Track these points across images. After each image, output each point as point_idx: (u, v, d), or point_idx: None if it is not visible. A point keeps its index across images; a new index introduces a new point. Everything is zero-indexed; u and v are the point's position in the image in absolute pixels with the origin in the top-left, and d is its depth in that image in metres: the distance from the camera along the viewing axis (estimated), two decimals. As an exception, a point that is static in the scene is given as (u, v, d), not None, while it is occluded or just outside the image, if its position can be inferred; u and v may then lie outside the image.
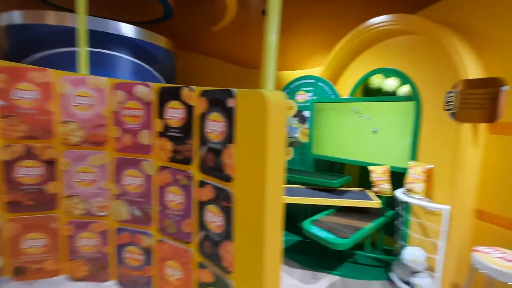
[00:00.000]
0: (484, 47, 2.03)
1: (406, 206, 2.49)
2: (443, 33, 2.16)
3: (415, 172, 2.41)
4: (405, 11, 2.58)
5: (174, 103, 1.66)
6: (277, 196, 1.30)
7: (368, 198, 2.72)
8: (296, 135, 3.72)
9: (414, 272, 2.31)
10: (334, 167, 3.47)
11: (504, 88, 1.74)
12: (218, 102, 1.41)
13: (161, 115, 1.76)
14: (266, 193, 1.21)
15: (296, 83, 3.72)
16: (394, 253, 2.65)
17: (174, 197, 1.73)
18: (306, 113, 3.62)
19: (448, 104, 2.03)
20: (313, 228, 2.41)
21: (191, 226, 1.69)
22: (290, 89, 3.77)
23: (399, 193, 2.41)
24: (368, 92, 3.43)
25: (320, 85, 3.49)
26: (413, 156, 2.51)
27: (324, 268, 2.61)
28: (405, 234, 2.52)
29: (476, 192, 2.04)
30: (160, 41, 3.45)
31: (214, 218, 1.50)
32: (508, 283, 1.51)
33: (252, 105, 1.23)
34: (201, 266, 1.64)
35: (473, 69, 1.99)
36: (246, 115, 1.27)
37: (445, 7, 2.34)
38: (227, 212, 1.42)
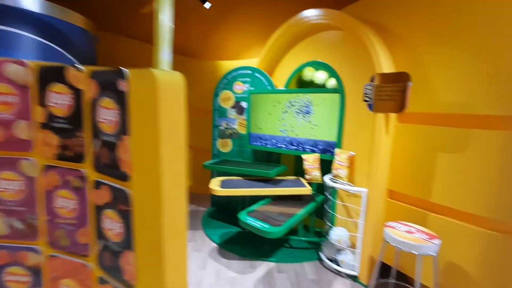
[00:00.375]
0: (395, 44, 2.26)
1: (333, 190, 2.69)
2: (362, 30, 2.34)
3: (340, 159, 2.61)
4: (334, 7, 2.72)
5: (58, 87, 1.33)
6: (177, 196, 1.16)
7: (301, 186, 2.85)
8: (235, 126, 3.68)
9: (340, 250, 2.52)
10: (271, 157, 3.55)
11: (410, 83, 1.97)
12: (109, 85, 1.17)
13: (42, 101, 1.43)
14: (162, 193, 1.08)
15: (233, 74, 3.66)
16: (323, 235, 2.85)
17: (65, 203, 1.44)
18: (244, 104, 3.60)
19: (366, 96, 2.23)
20: (249, 219, 2.42)
21: (88, 236, 1.44)
22: (227, 80, 3.70)
23: (327, 179, 2.58)
24: (302, 84, 3.57)
25: (257, 76, 3.50)
26: (339, 144, 2.71)
27: (261, 256, 2.66)
28: (332, 216, 2.72)
29: (388, 175, 2.30)
30: (75, 19, 2.98)
31: (112, 225, 1.29)
32: (410, 251, 1.74)
33: (144, 88, 1.06)
34: (102, 281, 1.42)
35: (386, 64, 2.21)
36: (140, 100, 1.08)
37: (365, 5, 2.54)
38: (126, 217, 1.22)
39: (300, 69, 3.22)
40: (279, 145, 3.22)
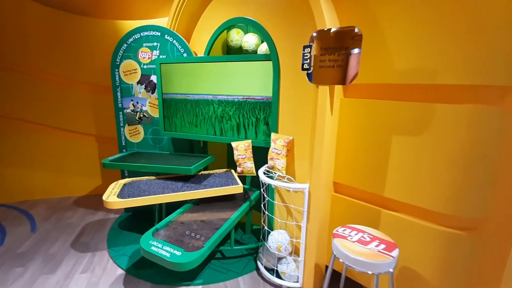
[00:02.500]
0: (338, -7, 1.69)
1: (270, 186, 2.16)
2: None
3: (276, 146, 2.05)
4: None
5: None
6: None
7: (232, 182, 2.25)
8: (145, 108, 2.81)
9: (280, 259, 2.05)
10: (196, 146, 2.84)
11: (359, 45, 1.43)
12: None
13: None
14: None
15: (136, 36, 2.71)
16: (261, 238, 2.35)
17: None
18: (155, 79, 2.73)
19: (305, 62, 1.65)
20: (154, 246, 1.71)
21: None
22: (129, 45, 2.74)
23: (261, 172, 2.02)
24: (230, 52, 2.85)
25: (169, 40, 2.64)
26: (274, 127, 2.14)
27: (183, 280, 2.03)
28: (271, 219, 2.22)
29: (333, 165, 1.84)
30: None
31: None
32: (367, 272, 1.30)
33: None
34: None
35: (330, 20, 1.63)
36: None
37: None
38: None
39: (221, 30, 2.47)
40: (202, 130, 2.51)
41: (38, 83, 3.22)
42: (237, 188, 2.14)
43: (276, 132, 2.13)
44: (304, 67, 1.65)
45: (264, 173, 2.04)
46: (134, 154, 2.76)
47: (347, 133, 1.75)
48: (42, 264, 2.25)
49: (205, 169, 2.75)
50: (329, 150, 1.74)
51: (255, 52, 2.55)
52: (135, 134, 2.88)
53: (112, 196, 1.99)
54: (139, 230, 2.68)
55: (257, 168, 2.29)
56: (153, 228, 1.82)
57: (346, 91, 1.75)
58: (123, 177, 2.96)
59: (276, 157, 2.05)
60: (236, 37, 2.64)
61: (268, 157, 2.10)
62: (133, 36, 2.71)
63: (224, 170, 2.56)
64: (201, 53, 2.68)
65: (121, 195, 2.04)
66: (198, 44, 2.71)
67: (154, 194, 2.04)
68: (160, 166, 2.29)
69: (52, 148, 3.40)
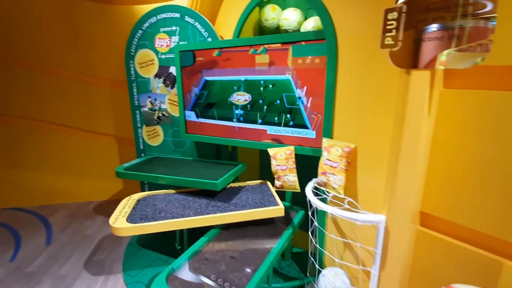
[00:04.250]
0: None
1: (320, 211, 1.62)
2: None
3: (331, 157, 1.50)
4: None
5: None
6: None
7: (269, 200, 1.74)
8: (164, 106, 2.39)
9: (337, 309, 1.52)
10: (224, 150, 2.38)
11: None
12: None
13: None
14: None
15: (151, 20, 2.27)
16: (308, 273, 1.84)
17: None
18: (175, 71, 2.29)
19: (389, 35, 1.07)
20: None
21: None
22: (144, 31, 2.31)
23: (309, 191, 1.50)
24: (263, 34, 2.32)
25: (189, 23, 2.17)
26: (327, 131, 1.58)
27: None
28: (322, 252, 1.68)
29: (423, 188, 1.25)
30: None
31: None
32: None
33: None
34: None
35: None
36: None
37: None
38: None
39: (253, 6, 1.94)
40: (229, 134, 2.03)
41: (54, 80, 2.95)
42: (277, 210, 1.63)
43: (330, 137, 1.57)
44: (386, 42, 1.07)
45: (313, 191, 1.51)
46: (152, 160, 2.36)
47: (449, 141, 1.15)
48: (49, 290, 1.96)
49: (235, 179, 2.28)
50: (422, 166, 1.16)
51: (297, 31, 2.00)
52: (154, 136, 2.48)
53: (120, 219, 1.59)
54: (159, 247, 2.30)
55: (302, 182, 1.77)
56: (169, 268, 1.39)
57: (449, 78, 1.14)
58: (142, 186, 2.60)
59: (331, 172, 1.50)
60: (272, 14, 2.09)
61: (319, 170, 1.56)
62: (149, 21, 2.28)
63: (258, 182, 2.07)
64: (228, 37, 2.18)
65: (132, 217, 1.63)
66: (225, 27, 2.21)
67: (172, 217, 1.61)
68: (180, 178, 1.85)
69: (72, 149, 3.15)
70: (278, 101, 1.77)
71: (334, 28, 1.43)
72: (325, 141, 1.54)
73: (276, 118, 1.80)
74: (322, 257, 1.69)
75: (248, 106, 1.89)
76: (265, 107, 1.83)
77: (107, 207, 3.19)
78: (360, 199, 1.47)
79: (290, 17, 1.98)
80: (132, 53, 2.37)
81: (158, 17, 2.25)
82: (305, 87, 1.66)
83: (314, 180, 1.61)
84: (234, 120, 1.97)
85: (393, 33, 1.04)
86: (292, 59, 1.67)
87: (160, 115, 2.40)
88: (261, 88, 1.82)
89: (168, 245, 2.25)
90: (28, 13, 2.75)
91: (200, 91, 2.07)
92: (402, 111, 1.11)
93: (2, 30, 2.76)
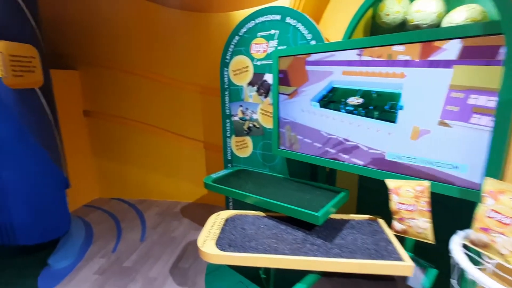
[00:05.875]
0: None
1: (464, 272, 1.13)
2: None
3: (501, 209, 1.01)
4: None
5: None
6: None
7: (386, 249, 1.34)
8: (256, 116, 2.23)
9: None
10: (319, 170, 2.05)
11: None
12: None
13: None
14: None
15: (249, 25, 2.13)
16: None
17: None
18: (270, 79, 2.10)
19: None
20: None
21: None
22: (241, 37, 2.19)
23: (457, 250, 1.04)
24: (379, 32, 1.89)
25: (290, 24, 1.93)
26: (495, 167, 1.08)
27: None
28: None
29: None
30: None
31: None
32: None
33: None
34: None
35: None
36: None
37: None
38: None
39: (375, 1, 1.55)
40: (332, 152, 1.69)
41: (154, 85, 3.17)
42: (403, 268, 1.21)
43: (497, 177, 1.07)
44: None
45: (462, 251, 1.04)
46: (239, 172, 2.22)
47: None
48: (140, 292, 2.01)
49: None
50: None
51: (435, 26, 1.52)
52: (243, 148, 2.34)
53: (209, 243, 1.45)
54: (242, 268, 2.13)
55: (438, 233, 1.29)
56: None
57: None
58: (226, 198, 2.51)
59: (499, 230, 1.01)
60: (396, 7, 1.65)
61: (476, 224, 1.08)
62: (246, 26, 2.14)
63: (366, 217, 1.66)
64: (334, 38, 1.85)
65: (220, 241, 1.48)
66: (332, 27, 1.89)
67: (264, 250, 1.38)
68: (273, 202, 1.61)
69: (165, 150, 3.35)
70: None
71: (527, 16, 0.93)
72: (490, 183, 1.05)
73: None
74: None
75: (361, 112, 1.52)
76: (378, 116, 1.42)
77: (193, 210, 3.28)
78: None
79: (425, 9, 1.51)
80: (227, 60, 2.28)
81: (257, 20, 2.08)
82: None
83: (462, 234, 1.13)
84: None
85: None
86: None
87: (251, 125, 2.25)
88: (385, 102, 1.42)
89: (252, 269, 2.06)
90: (133, 26, 3.01)
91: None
92: None
93: (113, 43, 3.10)
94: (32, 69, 2.09)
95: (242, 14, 2.71)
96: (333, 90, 1.57)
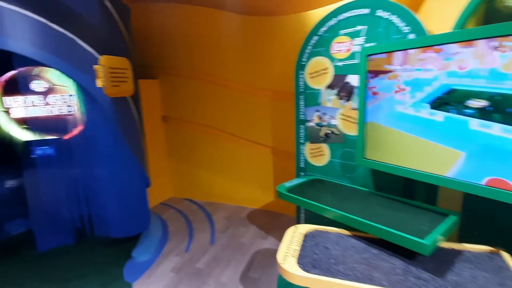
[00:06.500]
0: None
1: None
2: None
3: None
4: None
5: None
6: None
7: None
8: (335, 122, 2.04)
9: None
10: (414, 187, 1.75)
11: None
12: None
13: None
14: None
15: (330, 23, 1.96)
16: None
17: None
18: (354, 81, 1.89)
19: None
20: None
21: None
22: (321, 37, 2.04)
23: None
24: (496, 20, 1.53)
25: (382, 17, 1.69)
26: None
27: None
28: None
29: None
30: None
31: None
32: None
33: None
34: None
35: None
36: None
37: None
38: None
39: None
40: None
41: (226, 91, 3.24)
42: None
43: None
44: None
45: None
46: (315, 182, 2.06)
47: None
48: (212, 298, 2.01)
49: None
50: None
51: None
52: (318, 155, 2.17)
53: (290, 260, 1.33)
54: None
55: None
56: None
57: None
58: (297, 208, 2.37)
59: None
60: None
61: None
62: (327, 24, 1.98)
63: (485, 249, 1.33)
64: (439, 30, 1.55)
65: (302, 260, 1.34)
66: (437, 16, 1.59)
67: (356, 278, 1.19)
68: (362, 221, 1.41)
69: (235, 156, 3.39)
70: None
71: None
72: None
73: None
74: None
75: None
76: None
77: (259, 217, 3.22)
78: None
79: None
80: (303, 63, 2.15)
81: (339, 17, 1.91)
82: None
83: None
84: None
85: None
86: None
87: (328, 132, 2.07)
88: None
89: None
90: (207, 35, 3.12)
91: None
92: None
93: (188, 52, 3.27)
94: (125, 79, 2.30)
95: (316, 14, 2.55)
96: (450, 91, 1.29)
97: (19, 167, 2.35)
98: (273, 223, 3.06)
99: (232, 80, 3.18)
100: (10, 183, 2.77)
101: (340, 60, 1.93)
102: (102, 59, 2.03)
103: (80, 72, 1.92)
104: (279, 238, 2.71)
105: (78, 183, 2.39)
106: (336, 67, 1.96)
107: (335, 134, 2.03)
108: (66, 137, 2.34)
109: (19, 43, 1.65)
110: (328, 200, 1.71)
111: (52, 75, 2.12)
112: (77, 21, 1.86)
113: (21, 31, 1.64)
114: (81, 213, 2.44)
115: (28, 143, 2.23)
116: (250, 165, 3.33)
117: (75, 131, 2.33)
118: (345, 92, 1.93)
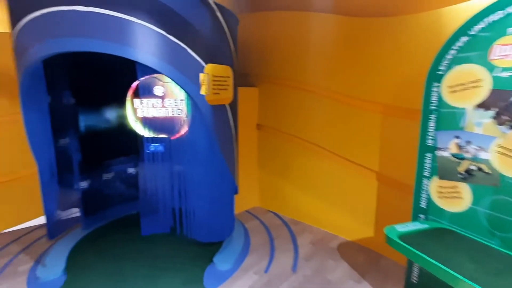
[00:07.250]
0: None
1: None
2: None
3: None
4: None
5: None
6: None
7: None
8: (486, 155, 1.44)
9: None
10: None
11: None
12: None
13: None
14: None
15: (491, 18, 1.40)
16: None
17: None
18: (528, 97, 1.28)
19: None
20: None
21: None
22: (472, 37, 1.50)
23: None
24: None
25: None
26: None
27: None
28: None
29: None
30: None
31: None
32: None
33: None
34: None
35: None
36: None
37: None
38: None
39: None
40: None
41: (324, 103, 2.94)
42: None
43: None
44: None
45: None
46: (442, 233, 1.51)
47: None
48: None
49: None
50: None
51: None
52: (451, 197, 1.60)
53: None
54: None
55: None
56: None
57: None
58: (410, 262, 1.82)
59: None
60: None
61: None
62: (485, 20, 1.43)
63: None
64: None
65: None
66: None
67: None
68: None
69: (329, 175, 3.03)
70: None
71: None
72: None
73: None
74: None
75: None
76: None
77: (353, 252, 2.74)
78: None
79: None
80: (440, 72, 1.64)
81: (508, 10, 1.34)
82: None
83: None
84: None
85: None
86: None
87: (473, 167, 1.48)
88: None
89: None
90: (306, 42, 2.87)
91: None
92: None
93: (287, 60, 3.10)
94: (226, 87, 2.33)
95: (448, 12, 1.94)
96: None
97: (138, 158, 2.73)
98: (370, 264, 2.53)
99: (334, 91, 2.85)
100: (130, 170, 3.32)
101: (505, 69, 1.35)
102: (208, 67, 2.09)
103: (188, 80, 2.02)
104: (376, 286, 2.20)
105: (175, 180, 2.59)
106: (496, 78, 1.39)
107: (485, 172, 1.43)
108: (174, 137, 2.56)
109: (144, 54, 1.84)
110: (467, 268, 1.18)
111: (168, 81, 2.36)
112: (189, 32, 1.96)
113: (146, 43, 1.83)
114: (176, 207, 2.65)
115: (145, 139, 2.55)
116: (347, 188, 2.89)
117: (182, 133, 2.53)
118: (509, 115, 1.33)
